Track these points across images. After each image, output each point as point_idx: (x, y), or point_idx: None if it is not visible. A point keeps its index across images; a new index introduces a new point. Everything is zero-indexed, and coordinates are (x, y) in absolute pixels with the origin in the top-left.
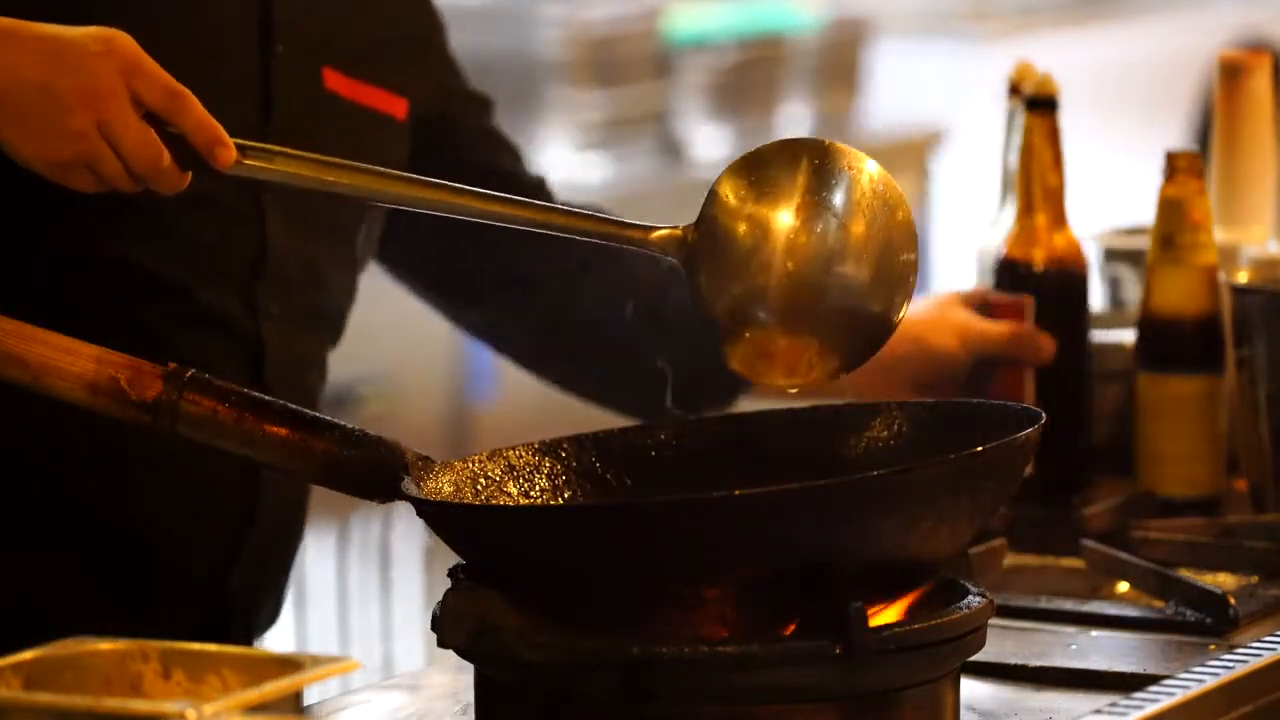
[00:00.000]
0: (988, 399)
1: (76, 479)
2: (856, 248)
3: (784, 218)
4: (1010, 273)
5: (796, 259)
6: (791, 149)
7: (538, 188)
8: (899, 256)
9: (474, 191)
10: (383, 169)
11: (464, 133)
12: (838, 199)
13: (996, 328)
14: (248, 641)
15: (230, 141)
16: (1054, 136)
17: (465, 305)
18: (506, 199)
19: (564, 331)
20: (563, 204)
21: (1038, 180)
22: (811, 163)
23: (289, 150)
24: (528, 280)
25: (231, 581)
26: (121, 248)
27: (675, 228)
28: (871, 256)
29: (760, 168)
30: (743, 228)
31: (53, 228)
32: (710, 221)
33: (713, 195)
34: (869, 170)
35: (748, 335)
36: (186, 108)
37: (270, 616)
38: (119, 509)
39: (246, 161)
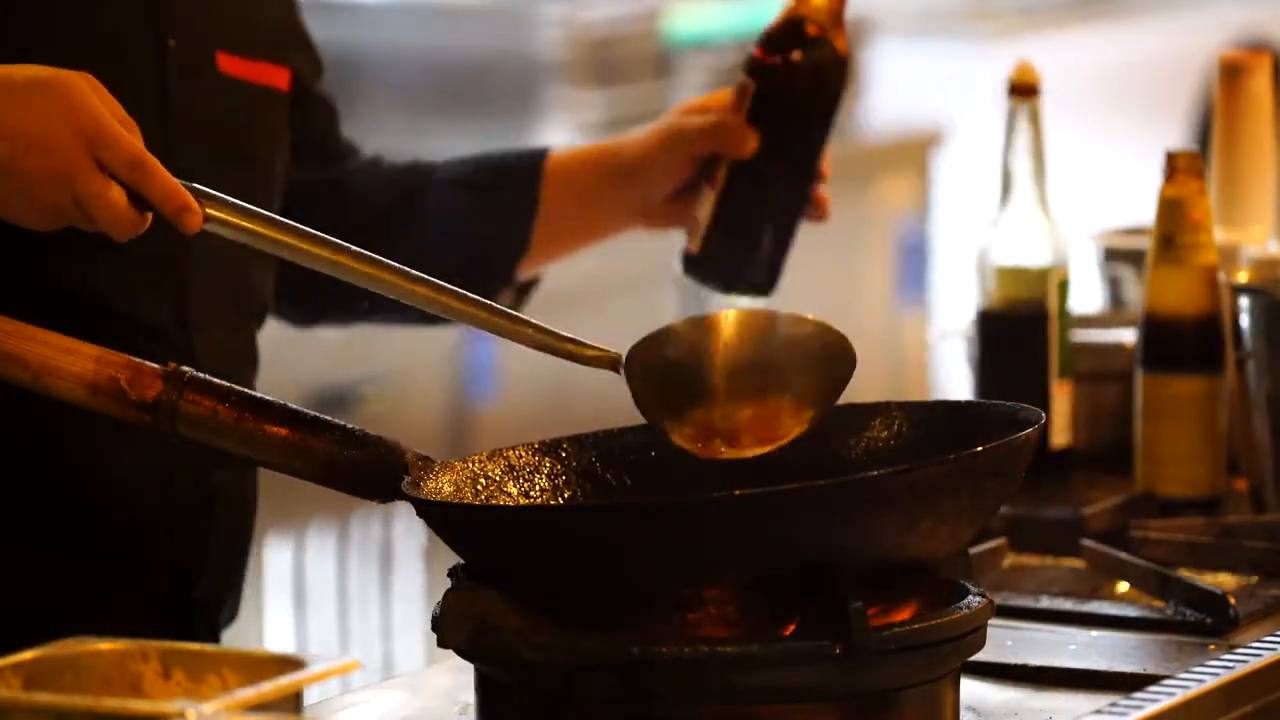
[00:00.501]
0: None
1: (30, 491)
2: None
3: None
4: (749, 59)
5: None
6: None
7: (350, 152)
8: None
9: (427, 280)
10: (341, 243)
11: (311, 97)
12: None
13: (698, 121)
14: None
15: (196, 206)
16: None
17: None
18: (460, 294)
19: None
20: (510, 311)
21: None
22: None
23: (252, 208)
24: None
25: (195, 592)
26: (44, 265)
27: (607, 352)
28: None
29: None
30: (674, 353)
31: None
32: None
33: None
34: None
35: (691, 430)
36: (151, 176)
37: (231, 615)
38: (74, 523)
39: (213, 216)
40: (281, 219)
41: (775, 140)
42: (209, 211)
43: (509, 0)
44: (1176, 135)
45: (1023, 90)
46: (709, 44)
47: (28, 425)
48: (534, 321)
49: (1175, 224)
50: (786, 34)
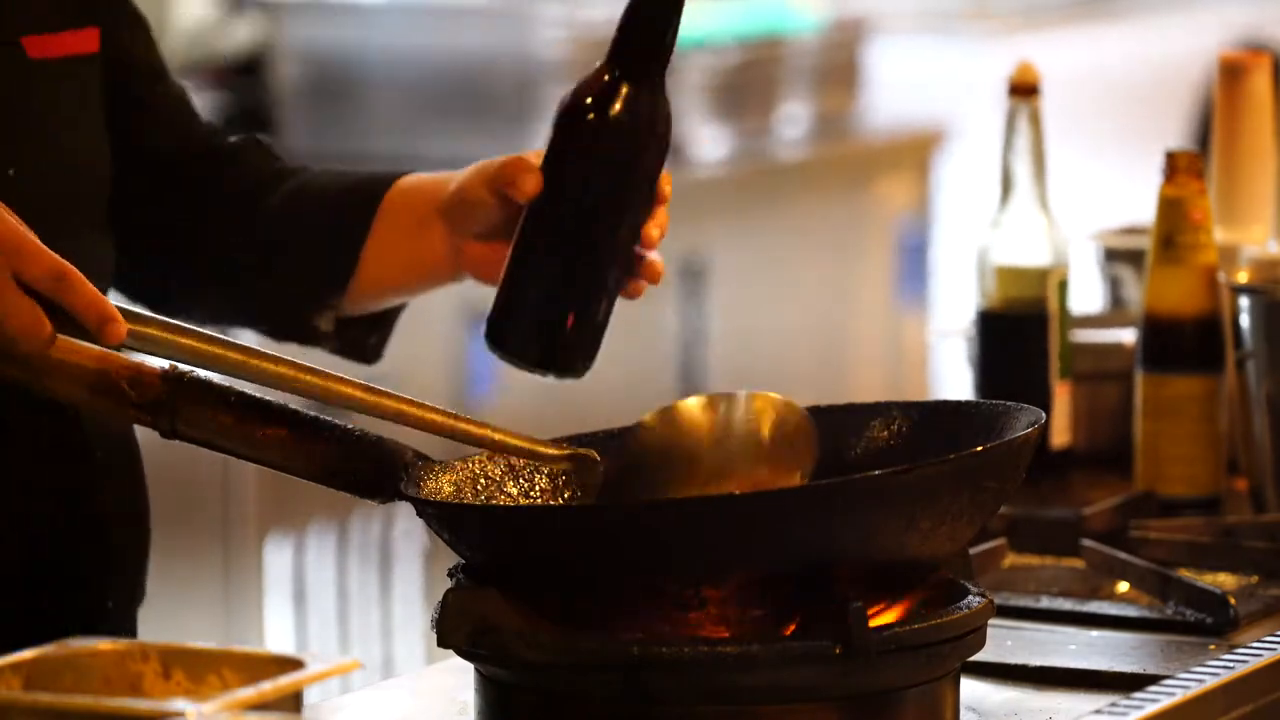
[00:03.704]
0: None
1: None
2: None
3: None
4: (560, 108)
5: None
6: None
7: (180, 100)
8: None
9: (365, 386)
10: (275, 354)
11: (130, 60)
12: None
13: (499, 162)
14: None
15: (119, 317)
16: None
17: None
18: (408, 400)
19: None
20: (472, 420)
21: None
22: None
23: (172, 321)
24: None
25: (106, 604)
26: None
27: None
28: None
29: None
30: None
31: None
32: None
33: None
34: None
35: None
36: (73, 287)
37: (135, 601)
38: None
39: (135, 331)
40: (209, 333)
41: (569, 198)
42: (132, 328)
43: (509, 0)
44: (1176, 135)
45: (1023, 90)
46: (709, 44)
47: None
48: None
49: (1175, 224)
50: (590, 87)
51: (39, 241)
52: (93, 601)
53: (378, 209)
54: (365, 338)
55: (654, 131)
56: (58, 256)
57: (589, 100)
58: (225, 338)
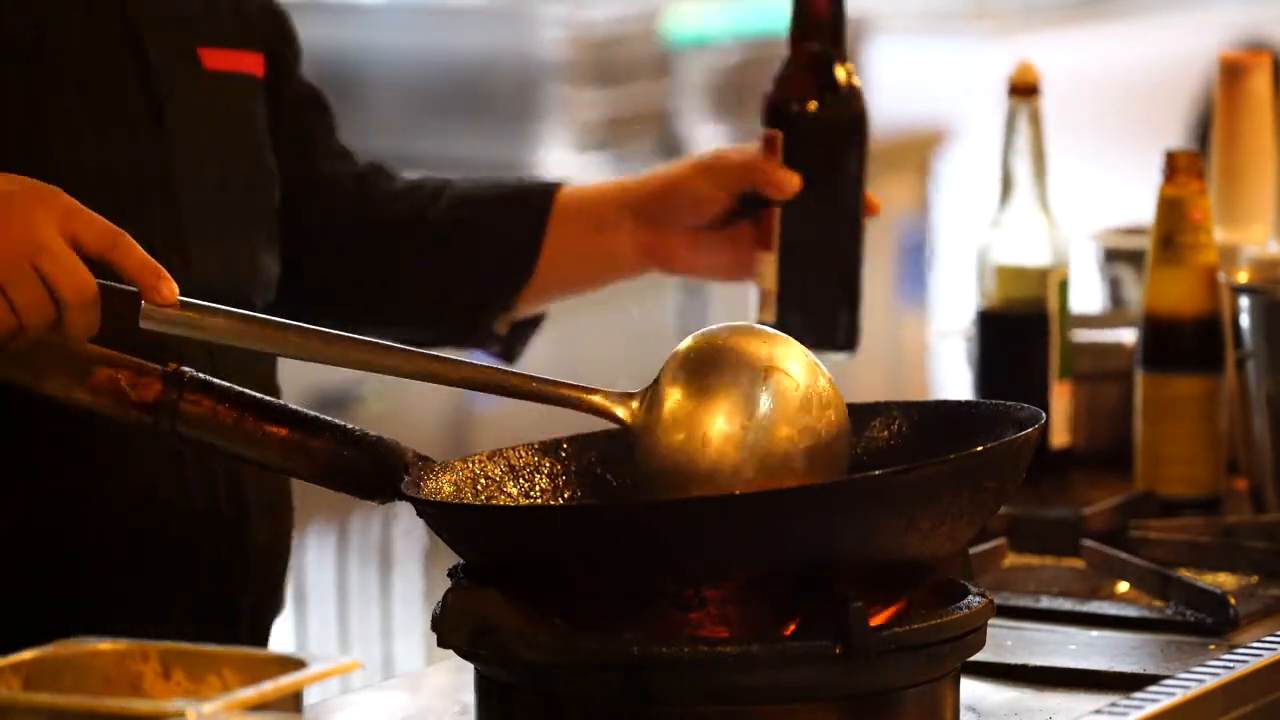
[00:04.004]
0: (745, 237)
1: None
2: (785, 454)
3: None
4: (769, 108)
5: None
6: (733, 362)
7: (330, 125)
8: (833, 449)
9: (408, 351)
10: (310, 327)
11: (289, 88)
12: (767, 415)
13: (738, 157)
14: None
15: (169, 277)
16: None
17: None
18: (450, 361)
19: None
20: (504, 369)
21: (810, 12)
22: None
23: (215, 306)
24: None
25: (240, 602)
26: None
27: (618, 405)
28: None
29: (701, 377)
30: (680, 437)
31: None
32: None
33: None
34: (803, 381)
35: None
36: (127, 249)
37: (273, 615)
38: (120, 543)
39: (181, 312)
40: (249, 313)
41: (820, 186)
42: (180, 299)
43: (509, 0)
44: (1176, 135)
45: (1023, 90)
46: (709, 44)
47: (74, 448)
48: (533, 375)
49: (1175, 224)
50: (803, 77)
51: (92, 212)
52: (227, 605)
53: (550, 212)
54: (523, 338)
55: (863, 98)
56: (110, 223)
57: (816, 86)
58: (265, 316)
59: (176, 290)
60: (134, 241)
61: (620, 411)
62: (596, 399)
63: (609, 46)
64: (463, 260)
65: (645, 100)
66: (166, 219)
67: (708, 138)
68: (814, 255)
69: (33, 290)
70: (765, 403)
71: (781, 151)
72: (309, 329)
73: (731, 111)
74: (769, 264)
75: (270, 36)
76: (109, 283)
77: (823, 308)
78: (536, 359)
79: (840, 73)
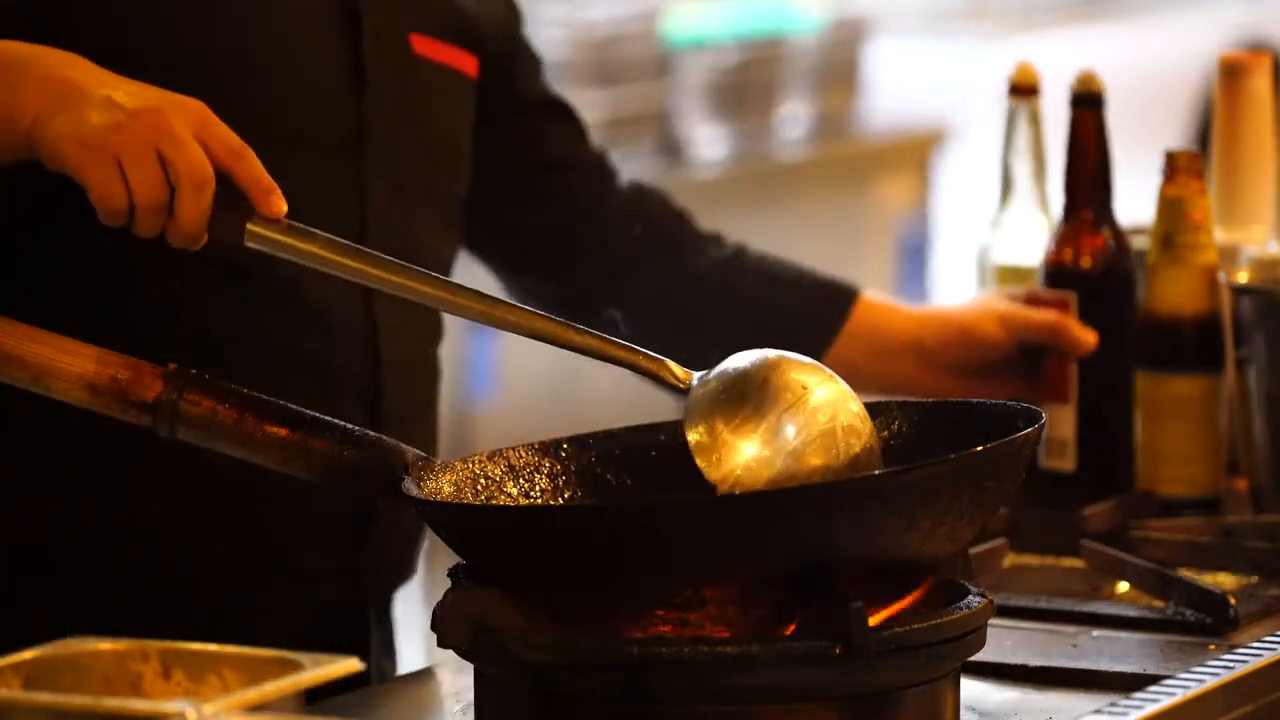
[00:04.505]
0: (1032, 389)
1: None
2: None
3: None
4: (1057, 270)
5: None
6: (764, 383)
7: (598, 165)
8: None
9: (492, 298)
10: (407, 265)
11: (524, 95)
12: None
13: (1040, 315)
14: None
15: (280, 193)
16: (1101, 133)
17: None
18: (526, 311)
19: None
20: (583, 329)
21: (1084, 177)
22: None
23: (319, 232)
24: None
25: (367, 597)
26: (253, 318)
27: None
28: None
29: (735, 401)
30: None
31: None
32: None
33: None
34: (833, 407)
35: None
36: (249, 162)
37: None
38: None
39: (285, 233)
40: (350, 244)
41: (1110, 340)
42: (285, 221)
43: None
44: (1176, 135)
45: (1023, 90)
46: (708, 44)
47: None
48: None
49: (1175, 224)
50: (1089, 240)
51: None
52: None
53: (845, 322)
54: None
55: (1130, 253)
56: (240, 139)
57: (1102, 249)
58: (364, 249)
59: (285, 207)
60: (257, 160)
61: (678, 374)
62: (657, 366)
63: (609, 46)
64: (755, 337)
65: (645, 100)
66: (350, 187)
67: (707, 138)
68: (1107, 406)
69: (150, 170)
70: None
71: (1075, 311)
72: (401, 264)
73: (731, 112)
74: (1066, 415)
75: (492, 42)
76: (222, 191)
77: (1114, 455)
78: (538, 356)
79: (1113, 233)
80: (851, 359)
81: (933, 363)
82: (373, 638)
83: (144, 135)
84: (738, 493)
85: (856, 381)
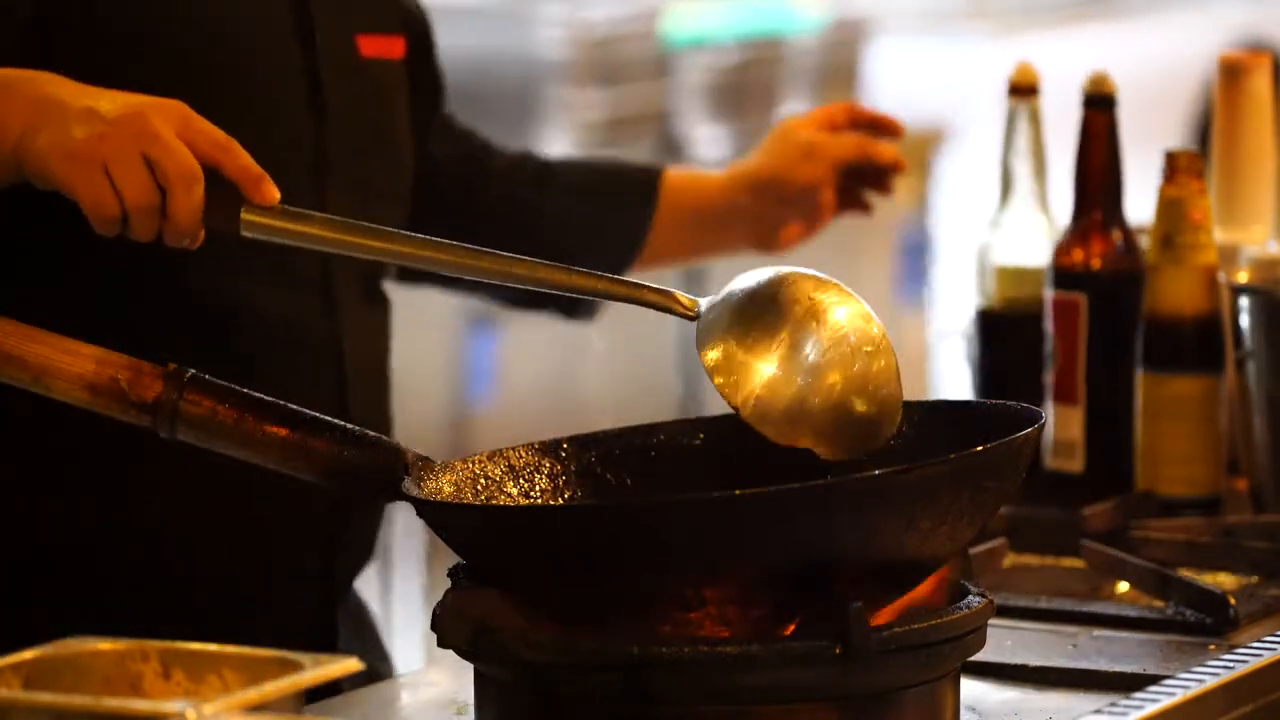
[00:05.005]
0: (857, 210)
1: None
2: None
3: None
4: (1067, 272)
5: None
6: (779, 300)
7: (467, 137)
8: (881, 391)
9: (496, 254)
10: (402, 232)
11: (426, 70)
12: (813, 354)
13: (843, 138)
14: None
15: (270, 180)
16: (1112, 134)
17: None
18: (526, 261)
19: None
20: (587, 271)
21: (1095, 178)
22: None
23: (314, 213)
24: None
25: (336, 568)
26: (190, 259)
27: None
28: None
29: (750, 319)
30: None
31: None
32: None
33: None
34: (849, 323)
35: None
36: (236, 153)
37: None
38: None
39: (273, 220)
40: (347, 220)
41: (1120, 341)
42: (280, 207)
43: (509, 0)
44: (1176, 135)
45: (1023, 90)
46: (709, 44)
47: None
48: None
49: (1175, 224)
50: (1099, 242)
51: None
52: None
53: (654, 206)
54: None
55: (1140, 252)
56: (224, 134)
57: (1112, 250)
58: (363, 223)
59: (277, 195)
60: (243, 150)
61: (685, 303)
62: (663, 298)
63: (609, 46)
64: (569, 251)
65: (645, 100)
66: (315, 201)
67: (707, 138)
68: (1115, 408)
69: (137, 174)
70: (816, 346)
71: (1085, 313)
72: (403, 234)
73: (731, 111)
74: (1074, 416)
75: (409, 19)
76: (212, 185)
77: (1119, 456)
78: (538, 355)
79: (1123, 234)
80: (672, 240)
81: (755, 219)
82: (340, 636)
83: (128, 140)
84: (738, 493)
85: (686, 258)
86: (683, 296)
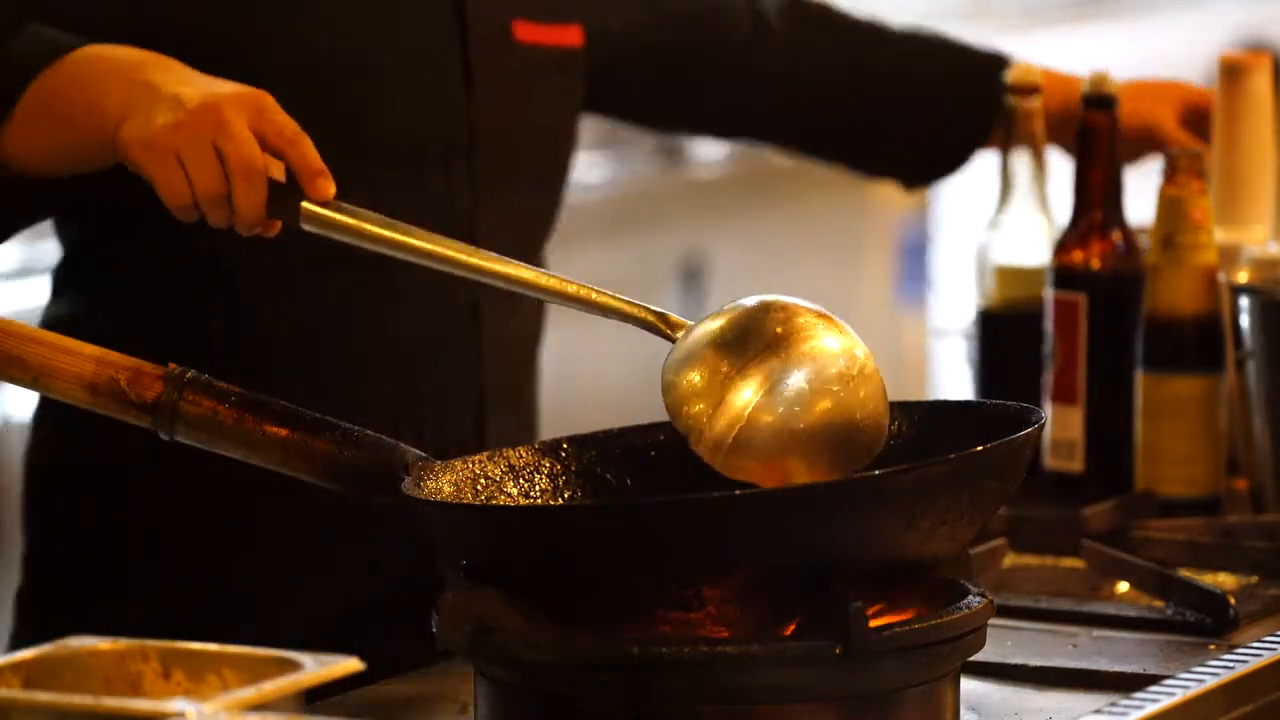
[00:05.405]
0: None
1: None
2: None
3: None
4: (1067, 272)
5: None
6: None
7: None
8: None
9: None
10: (463, 244)
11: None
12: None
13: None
14: None
15: (330, 177)
16: (1112, 134)
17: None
18: (538, 272)
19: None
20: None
21: (1096, 179)
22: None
23: (370, 212)
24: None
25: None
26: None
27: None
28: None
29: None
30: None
31: None
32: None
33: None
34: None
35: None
36: (302, 146)
37: None
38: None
39: (333, 213)
40: (401, 223)
41: (1122, 339)
42: (338, 202)
43: None
44: None
45: (1023, 90)
46: None
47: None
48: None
49: (1175, 224)
50: (1101, 242)
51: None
52: None
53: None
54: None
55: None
56: (297, 126)
57: (1113, 250)
58: (416, 228)
59: (332, 190)
60: (311, 145)
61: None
62: (646, 315)
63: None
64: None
65: None
66: (464, 180)
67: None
68: (1116, 408)
69: (208, 165)
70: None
71: (1085, 313)
72: (457, 244)
73: None
74: (1074, 416)
75: (589, 7)
76: (275, 177)
77: (1119, 456)
78: (541, 372)
79: (1124, 234)
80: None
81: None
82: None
83: (201, 131)
84: (738, 493)
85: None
86: (674, 318)
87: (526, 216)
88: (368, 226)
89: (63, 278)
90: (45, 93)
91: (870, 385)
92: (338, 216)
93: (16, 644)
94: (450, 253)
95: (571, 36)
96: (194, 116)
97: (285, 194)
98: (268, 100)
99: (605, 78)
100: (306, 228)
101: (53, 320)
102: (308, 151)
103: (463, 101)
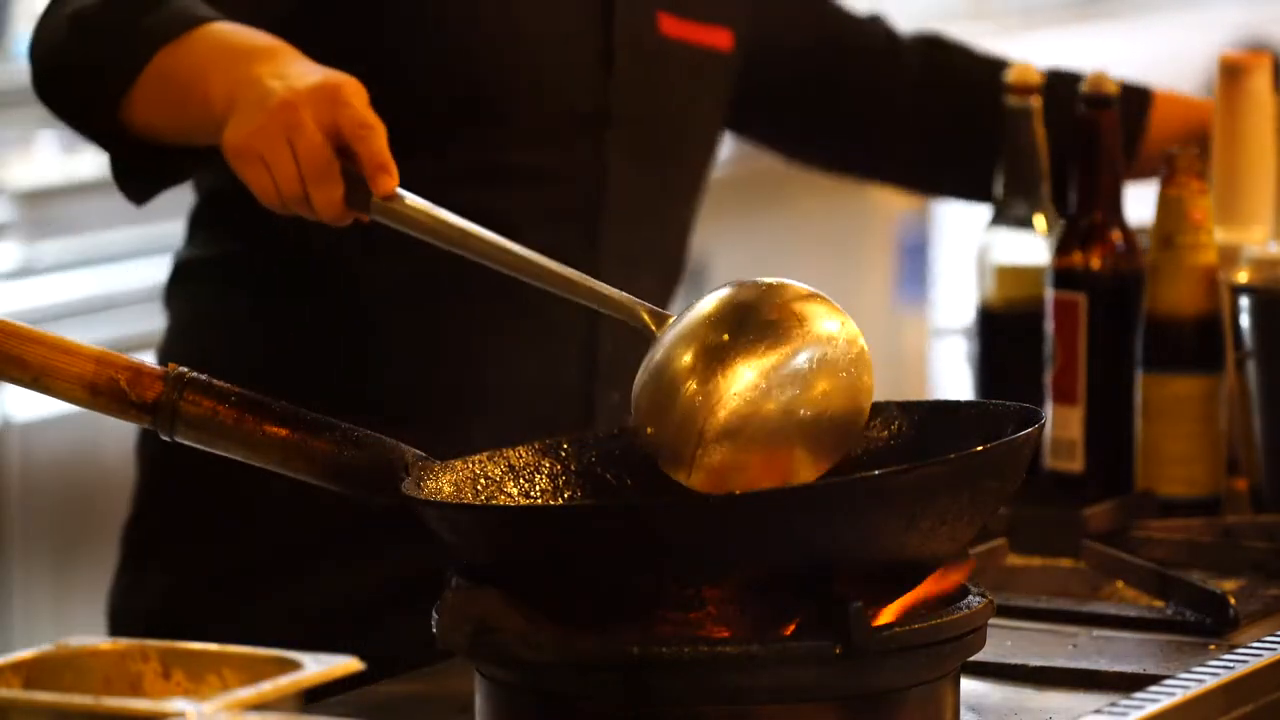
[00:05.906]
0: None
1: None
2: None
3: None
4: (1067, 272)
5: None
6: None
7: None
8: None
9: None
10: (505, 242)
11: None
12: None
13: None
14: None
15: (396, 175)
16: (1112, 133)
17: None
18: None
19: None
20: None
21: (1095, 178)
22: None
23: (438, 209)
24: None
25: None
26: (463, 192)
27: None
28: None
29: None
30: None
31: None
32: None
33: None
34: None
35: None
36: (369, 139)
37: None
38: None
39: (396, 206)
40: (465, 222)
41: (1122, 340)
42: (399, 193)
43: None
44: None
45: (1022, 90)
46: None
47: None
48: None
49: (1175, 224)
50: (1102, 243)
51: (364, 103)
52: None
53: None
54: None
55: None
56: (371, 116)
57: (1114, 251)
58: (477, 227)
59: (394, 185)
60: (382, 136)
61: (647, 320)
62: (629, 304)
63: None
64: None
65: None
66: (593, 153)
67: None
68: (1116, 407)
69: (285, 165)
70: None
71: (1085, 313)
72: (518, 248)
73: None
74: (1074, 416)
75: (738, 12)
76: (350, 171)
77: (1119, 456)
78: None
79: (1124, 234)
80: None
81: None
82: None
83: (278, 131)
84: (738, 493)
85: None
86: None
87: (659, 192)
88: (434, 224)
89: (204, 219)
90: (164, 70)
91: (834, 370)
92: (406, 211)
93: (123, 576)
94: (523, 262)
95: (719, 39)
96: (272, 118)
97: (360, 187)
98: (347, 90)
99: (751, 85)
100: (375, 217)
101: (184, 260)
102: (375, 144)
103: (601, 80)
